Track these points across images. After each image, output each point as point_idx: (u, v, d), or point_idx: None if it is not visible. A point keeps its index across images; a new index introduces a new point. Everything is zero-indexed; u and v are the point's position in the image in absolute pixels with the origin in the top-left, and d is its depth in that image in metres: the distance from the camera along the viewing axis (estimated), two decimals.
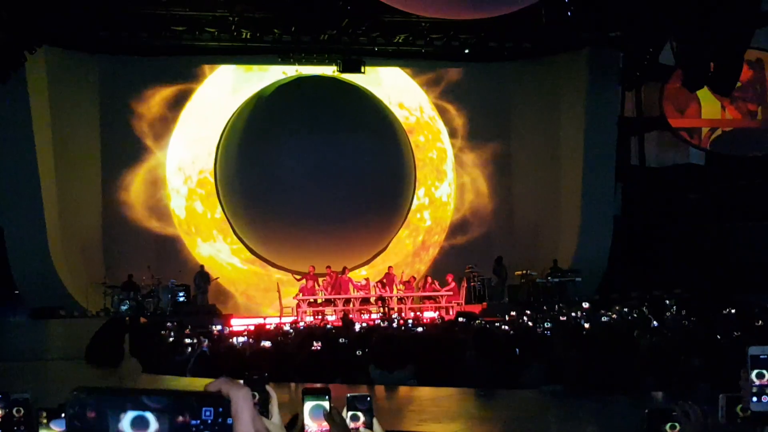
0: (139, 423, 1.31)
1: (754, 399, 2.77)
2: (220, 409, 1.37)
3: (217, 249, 25.84)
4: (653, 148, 28.22)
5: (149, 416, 1.32)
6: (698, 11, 20.29)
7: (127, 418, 1.31)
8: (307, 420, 2.65)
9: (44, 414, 2.82)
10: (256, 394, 2.75)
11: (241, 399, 1.43)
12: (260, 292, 25.13)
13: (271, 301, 24.17)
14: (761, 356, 2.79)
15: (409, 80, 27.11)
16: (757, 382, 2.77)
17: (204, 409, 1.35)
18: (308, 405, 2.66)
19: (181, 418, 1.33)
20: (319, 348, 10.62)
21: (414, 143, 27.11)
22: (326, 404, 2.67)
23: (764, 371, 2.78)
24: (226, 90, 26.03)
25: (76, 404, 1.31)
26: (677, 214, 26.13)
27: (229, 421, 1.37)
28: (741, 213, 25.62)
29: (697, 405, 3.00)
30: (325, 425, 2.65)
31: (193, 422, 1.34)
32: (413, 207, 27.07)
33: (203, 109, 25.77)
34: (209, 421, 1.35)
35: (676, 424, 2.98)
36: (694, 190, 26.97)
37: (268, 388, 2.72)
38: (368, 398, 2.73)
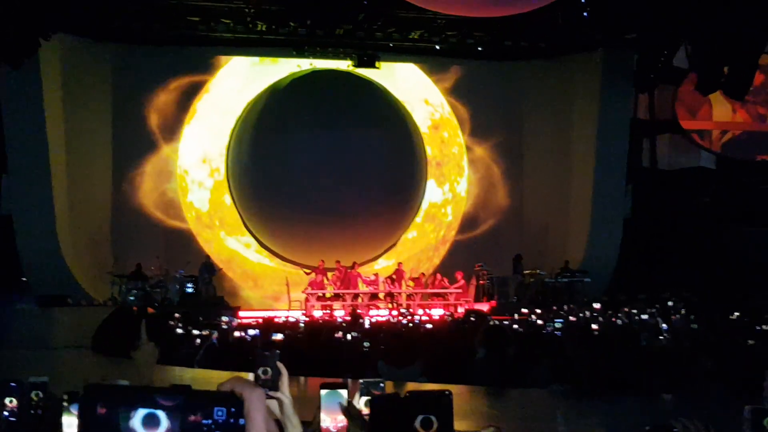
0: (150, 421, 1.32)
1: None
2: (233, 410, 1.37)
3: (245, 243, 25.96)
4: (665, 151, 28.16)
5: (160, 414, 1.33)
6: (713, 15, 20.22)
7: (138, 416, 1.32)
8: (323, 414, 2.63)
9: (66, 397, 2.83)
10: (268, 369, 2.76)
11: (255, 400, 1.44)
12: (284, 286, 24.88)
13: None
14: None
15: (426, 76, 27.10)
16: None
17: (216, 408, 1.35)
18: (323, 394, 2.64)
19: (192, 417, 1.34)
20: (341, 338, 10.64)
21: (439, 139, 27.20)
22: (343, 394, 2.64)
23: None
24: (240, 82, 26.02)
25: (86, 400, 1.32)
26: (687, 217, 26.06)
27: (241, 421, 1.38)
28: (751, 217, 25.57)
29: (701, 422, 2.95)
30: (341, 420, 2.62)
31: (205, 422, 1.34)
32: (439, 201, 27.16)
33: (219, 100, 25.84)
34: (221, 421, 1.35)
35: None
36: (704, 194, 26.91)
37: (279, 364, 2.72)
38: (382, 384, 2.71)
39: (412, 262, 26.25)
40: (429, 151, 27.23)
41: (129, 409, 1.31)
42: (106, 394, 1.32)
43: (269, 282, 25.31)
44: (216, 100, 25.85)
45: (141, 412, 1.32)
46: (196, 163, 25.78)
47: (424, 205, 27.19)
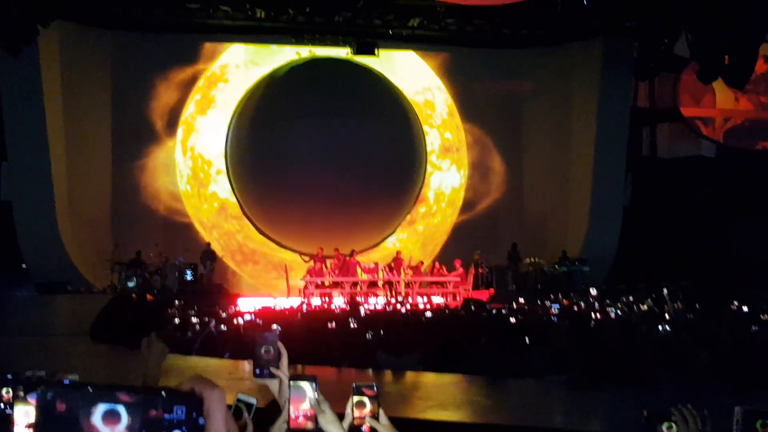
0: (110, 416, 1.29)
1: None
2: (193, 408, 1.34)
3: None
4: (664, 140, 28.16)
5: (121, 409, 1.30)
6: (714, 3, 20.18)
7: (98, 412, 1.29)
8: (291, 404, 2.64)
9: (21, 387, 2.81)
10: (271, 348, 2.79)
11: (215, 400, 1.43)
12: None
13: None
14: None
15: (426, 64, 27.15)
16: None
17: (176, 407, 1.33)
18: (291, 385, 2.66)
19: (154, 412, 1.31)
20: (339, 327, 10.68)
21: (455, 126, 27.28)
22: (305, 386, 2.65)
23: None
24: (259, 71, 26.04)
25: (45, 397, 1.29)
26: (687, 206, 26.05)
27: (201, 421, 1.36)
28: (750, 207, 25.56)
29: (696, 410, 2.94)
30: (306, 409, 2.63)
31: (167, 416, 1.32)
32: (457, 186, 27.26)
33: (237, 91, 25.93)
34: (181, 419, 1.33)
35: (673, 425, 2.94)
36: (704, 183, 26.88)
37: (279, 344, 2.76)
38: (374, 386, 2.70)
39: (430, 246, 26.65)
40: (449, 136, 27.32)
41: (89, 405, 1.29)
42: (66, 391, 1.30)
43: (294, 274, 24.65)
44: (234, 90, 25.92)
45: (101, 408, 1.29)
46: (222, 153, 25.84)
47: (447, 190, 27.28)
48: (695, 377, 7.19)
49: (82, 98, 23.97)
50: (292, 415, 2.62)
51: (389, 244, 26.33)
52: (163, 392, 1.34)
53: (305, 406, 2.61)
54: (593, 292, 18.65)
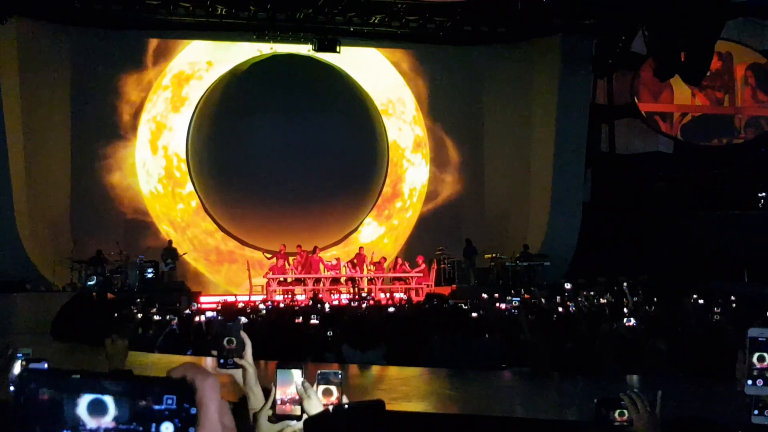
0: (97, 407, 1.22)
1: (750, 382, 2.66)
2: (184, 398, 1.26)
3: None
4: (623, 136, 28.44)
5: (108, 400, 1.22)
6: (670, 1, 20.48)
7: (83, 402, 1.22)
8: (278, 390, 2.66)
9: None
10: (233, 339, 2.78)
11: (208, 388, 1.32)
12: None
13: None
14: (760, 338, 2.69)
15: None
16: (758, 365, 2.66)
17: (166, 396, 1.24)
18: (278, 373, 2.67)
19: (143, 403, 1.24)
20: (303, 322, 10.71)
21: (423, 121, 27.46)
22: (296, 374, 2.67)
23: (765, 354, 2.68)
24: (211, 67, 25.92)
25: (26, 386, 1.21)
26: (645, 201, 26.36)
27: (193, 410, 1.27)
28: (707, 201, 25.93)
29: (645, 395, 3.03)
30: (292, 395, 2.66)
31: (156, 407, 1.24)
32: (425, 181, 27.47)
33: (191, 86, 25.82)
34: (172, 410, 1.25)
35: (624, 411, 3.01)
36: (662, 178, 27.22)
37: (243, 334, 2.76)
38: (339, 374, 2.73)
39: (401, 240, 26.97)
40: (420, 132, 27.47)
41: (74, 395, 1.20)
42: (49, 380, 1.21)
43: (257, 272, 24.62)
44: (180, 85, 25.80)
45: (86, 398, 1.21)
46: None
47: (418, 185, 27.48)
48: (653, 366, 7.32)
49: (41, 95, 23.74)
50: (278, 401, 2.65)
51: (367, 238, 26.41)
52: (152, 381, 1.27)
53: (291, 392, 2.64)
54: (567, 285, 18.81)
